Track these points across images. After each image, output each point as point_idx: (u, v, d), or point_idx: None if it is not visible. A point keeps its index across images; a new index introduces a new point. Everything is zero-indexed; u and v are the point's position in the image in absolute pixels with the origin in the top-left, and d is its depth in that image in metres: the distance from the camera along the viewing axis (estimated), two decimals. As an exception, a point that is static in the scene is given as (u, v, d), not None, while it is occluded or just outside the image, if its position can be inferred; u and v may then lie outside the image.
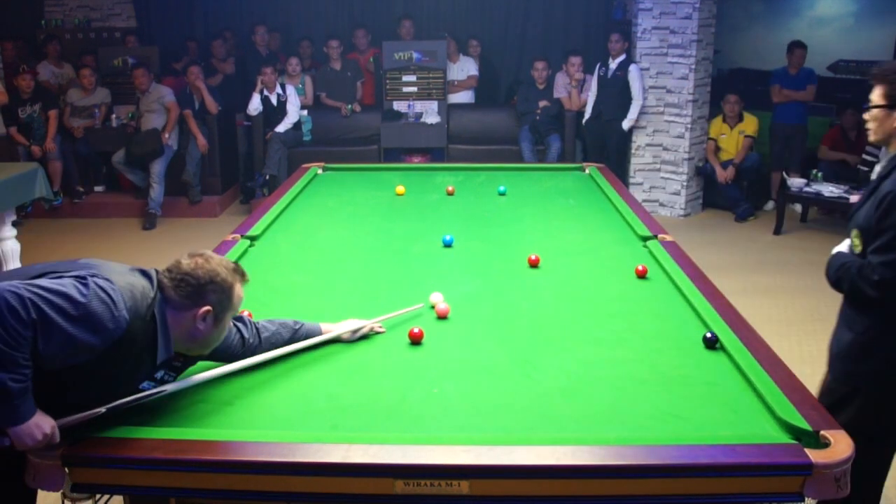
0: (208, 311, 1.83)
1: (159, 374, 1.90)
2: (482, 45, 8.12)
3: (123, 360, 1.76)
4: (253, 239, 3.24)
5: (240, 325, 2.12)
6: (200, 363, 2.06)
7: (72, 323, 1.63)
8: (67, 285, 1.67)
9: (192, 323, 1.83)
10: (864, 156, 6.62)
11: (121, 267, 1.86)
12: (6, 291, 1.59)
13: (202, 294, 1.82)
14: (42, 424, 1.66)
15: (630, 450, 1.69)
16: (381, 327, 2.38)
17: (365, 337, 2.34)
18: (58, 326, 1.61)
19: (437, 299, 2.54)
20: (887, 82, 2.22)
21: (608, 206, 3.81)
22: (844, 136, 6.91)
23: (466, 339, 2.33)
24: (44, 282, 1.67)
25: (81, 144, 7.26)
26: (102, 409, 1.76)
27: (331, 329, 2.29)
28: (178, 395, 1.96)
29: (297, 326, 2.24)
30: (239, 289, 1.91)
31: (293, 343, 2.21)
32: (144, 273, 1.85)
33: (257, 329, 2.16)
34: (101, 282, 1.71)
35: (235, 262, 1.95)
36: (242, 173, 7.73)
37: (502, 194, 4.04)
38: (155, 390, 1.87)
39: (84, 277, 1.71)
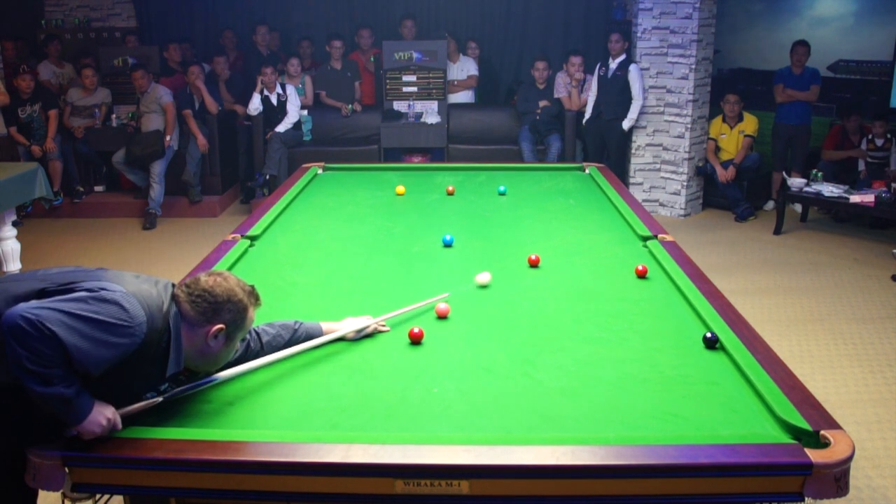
0: (221, 329, 1.87)
1: (163, 387, 1.91)
2: (482, 46, 8.12)
3: (133, 371, 1.78)
4: (253, 239, 3.24)
5: None
6: None
7: (88, 341, 1.64)
8: (82, 303, 1.68)
9: (204, 340, 1.87)
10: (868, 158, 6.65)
11: (136, 277, 1.88)
12: (20, 318, 1.60)
13: (218, 312, 1.86)
14: (104, 412, 1.71)
15: (630, 450, 1.69)
16: (384, 326, 2.38)
17: (368, 336, 2.34)
18: (74, 347, 1.62)
19: (485, 279, 2.72)
20: None
21: (608, 206, 3.80)
22: (846, 138, 6.89)
23: (466, 339, 2.33)
24: (58, 304, 1.66)
25: (82, 144, 7.26)
26: (160, 398, 1.84)
27: (333, 328, 2.30)
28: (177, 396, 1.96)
29: (296, 326, 2.25)
30: (252, 311, 1.95)
31: (293, 343, 2.21)
32: (160, 285, 1.87)
33: (258, 334, 2.17)
34: (118, 296, 1.72)
35: (251, 286, 1.98)
36: (243, 172, 7.74)
37: (502, 194, 4.04)
38: (206, 379, 1.94)
39: (100, 290, 1.72)
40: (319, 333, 2.27)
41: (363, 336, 2.33)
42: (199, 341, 1.87)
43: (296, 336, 2.23)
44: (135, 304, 1.74)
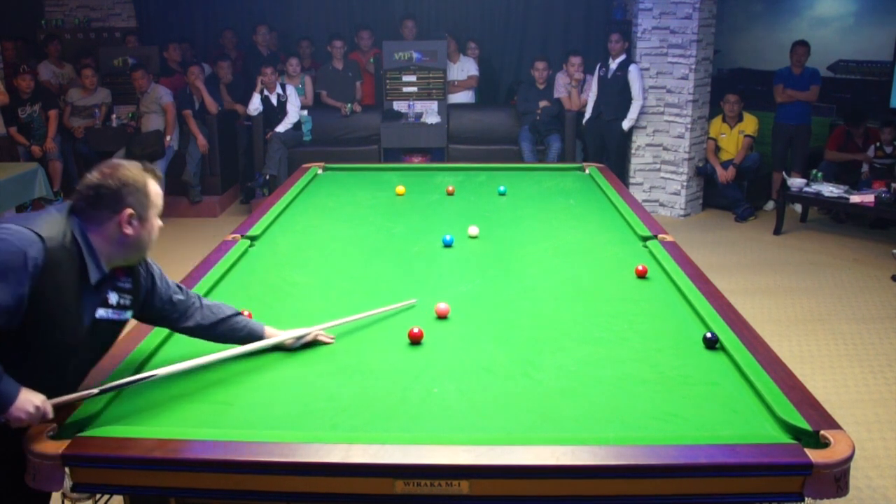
0: (132, 214, 1.85)
1: (113, 300, 1.91)
2: (482, 46, 8.12)
3: (59, 293, 1.76)
4: (253, 239, 3.24)
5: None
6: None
7: None
8: None
9: (119, 231, 1.85)
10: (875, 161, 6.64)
11: (29, 214, 1.86)
12: None
13: (119, 199, 1.83)
14: (32, 399, 1.70)
15: (630, 450, 1.69)
16: (326, 336, 2.29)
17: (308, 344, 2.24)
18: None
19: (474, 231, 3.29)
20: None
21: (608, 206, 3.80)
22: (850, 139, 6.88)
23: (466, 339, 2.33)
24: None
25: (82, 144, 7.26)
26: (95, 391, 1.81)
27: (274, 333, 2.22)
28: (177, 395, 1.96)
29: (237, 312, 2.21)
30: (153, 184, 1.92)
31: (234, 327, 2.16)
32: (58, 207, 1.86)
33: (199, 298, 2.16)
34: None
35: (141, 162, 1.95)
36: (242, 172, 7.74)
37: (502, 194, 4.04)
38: (144, 375, 1.91)
39: None
40: (261, 333, 2.20)
41: (302, 343, 2.23)
42: (114, 235, 1.85)
43: (236, 321, 2.17)
44: (16, 228, 1.70)
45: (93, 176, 1.85)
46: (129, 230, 1.85)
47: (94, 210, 1.83)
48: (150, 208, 1.90)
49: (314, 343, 2.27)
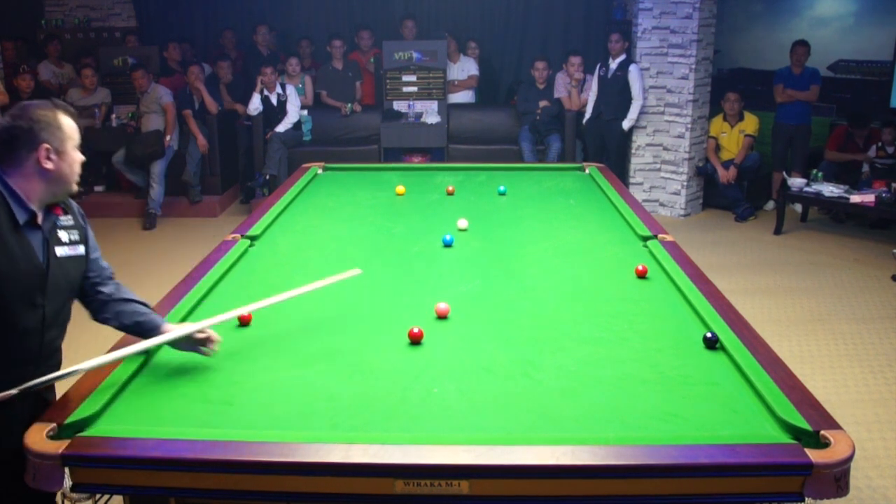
0: (48, 149, 1.88)
1: (65, 237, 1.96)
2: (482, 46, 8.13)
3: None
4: (253, 239, 3.24)
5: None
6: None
7: None
8: None
9: (39, 167, 1.88)
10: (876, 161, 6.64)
11: None
12: None
13: (33, 137, 1.87)
14: None
15: (630, 450, 1.69)
16: (209, 339, 2.14)
17: (202, 342, 2.14)
18: None
19: (463, 224, 3.32)
20: None
21: (608, 206, 3.80)
22: (850, 139, 6.88)
23: (466, 339, 2.33)
24: None
25: (81, 144, 7.24)
26: (14, 391, 1.81)
27: (171, 329, 2.14)
28: (177, 395, 1.96)
29: (143, 301, 2.18)
30: (65, 118, 1.95)
31: (137, 310, 2.11)
32: None
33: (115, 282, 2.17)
34: None
35: (50, 98, 1.98)
36: (242, 172, 7.74)
37: (502, 194, 4.04)
38: (65, 371, 1.90)
39: None
40: (160, 326, 2.12)
41: (195, 341, 2.12)
42: (35, 172, 1.88)
43: (141, 307, 2.13)
44: None
45: (3, 120, 1.89)
46: (49, 165, 1.89)
47: (10, 152, 1.87)
48: (67, 141, 1.93)
49: (312, 343, 2.26)
